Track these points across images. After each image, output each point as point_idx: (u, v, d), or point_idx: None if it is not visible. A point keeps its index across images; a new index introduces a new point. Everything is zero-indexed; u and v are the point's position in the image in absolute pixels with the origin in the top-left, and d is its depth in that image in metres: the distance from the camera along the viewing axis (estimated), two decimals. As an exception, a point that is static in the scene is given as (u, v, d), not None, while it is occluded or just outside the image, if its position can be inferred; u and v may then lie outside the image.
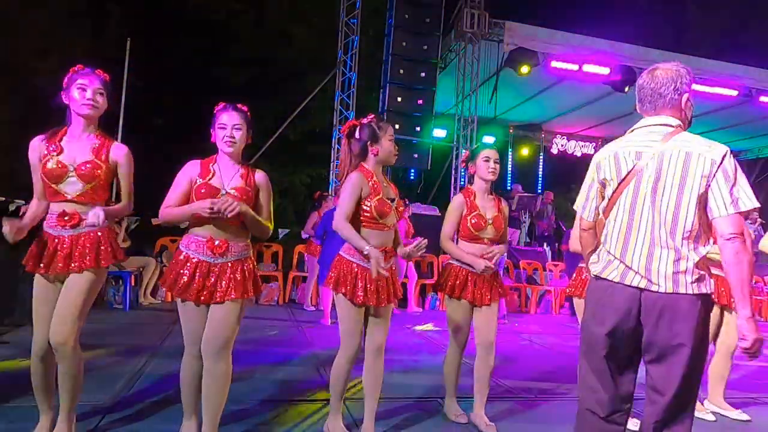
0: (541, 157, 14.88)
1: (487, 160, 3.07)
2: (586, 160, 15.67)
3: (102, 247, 2.43)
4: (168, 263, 7.71)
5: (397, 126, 9.35)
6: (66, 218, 2.39)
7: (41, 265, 2.39)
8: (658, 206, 1.87)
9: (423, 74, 9.25)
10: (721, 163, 1.83)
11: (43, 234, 2.43)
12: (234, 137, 2.47)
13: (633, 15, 16.64)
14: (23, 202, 5.98)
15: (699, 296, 1.85)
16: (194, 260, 2.43)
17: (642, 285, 1.87)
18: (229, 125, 2.46)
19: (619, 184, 1.95)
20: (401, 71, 9.15)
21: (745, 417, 3.51)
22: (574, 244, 3.19)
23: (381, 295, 2.69)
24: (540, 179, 14.64)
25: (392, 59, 9.16)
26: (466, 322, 3.11)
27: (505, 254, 5.07)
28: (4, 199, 5.92)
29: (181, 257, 2.45)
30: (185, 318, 2.49)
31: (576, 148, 14.51)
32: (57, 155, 2.39)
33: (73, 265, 2.37)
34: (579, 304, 3.35)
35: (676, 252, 1.85)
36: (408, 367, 4.37)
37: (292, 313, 7.08)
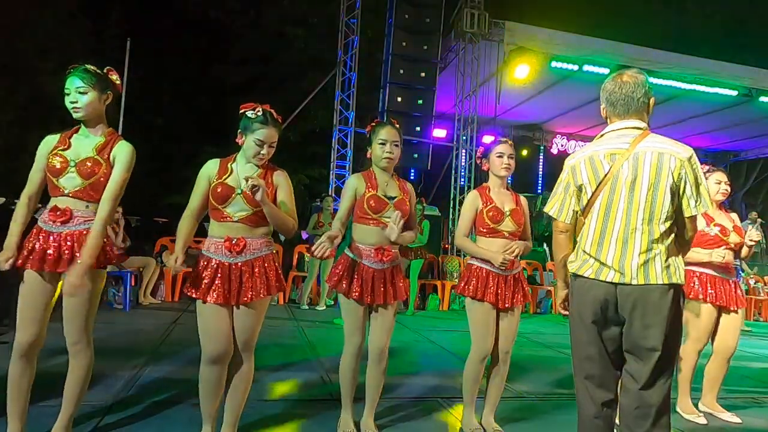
0: (541, 157, 14.89)
1: (501, 156, 3.01)
2: (586, 160, 15.82)
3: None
4: (167, 263, 7.67)
5: (397, 126, 9.35)
6: (57, 213, 2.31)
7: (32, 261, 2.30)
8: (633, 205, 1.99)
9: (423, 74, 9.26)
10: (689, 162, 1.97)
11: (36, 229, 2.35)
12: (268, 154, 2.46)
13: (633, 15, 16.63)
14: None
15: (669, 286, 1.95)
16: (215, 262, 2.42)
17: (616, 279, 1.97)
18: (266, 143, 2.42)
19: (597, 186, 2.05)
20: (401, 71, 9.16)
21: (736, 420, 3.46)
22: None
23: (379, 293, 2.71)
24: (540, 179, 14.66)
25: (392, 59, 9.17)
26: (490, 325, 2.95)
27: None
28: (5, 199, 5.93)
29: (203, 261, 2.44)
30: (205, 321, 2.44)
31: (576, 148, 14.49)
32: (63, 150, 2.35)
33: (63, 264, 2.29)
34: None
35: (649, 246, 1.96)
36: (408, 367, 4.37)
37: (292, 313, 7.08)
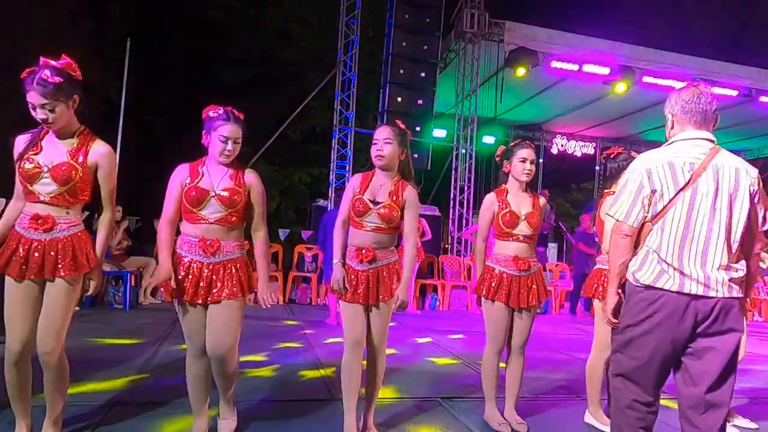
0: (541, 157, 14.88)
1: (524, 161, 3.08)
2: (586, 160, 15.63)
3: (78, 254, 2.32)
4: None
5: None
6: (39, 221, 2.27)
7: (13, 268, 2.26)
8: (716, 218, 2.03)
9: (423, 74, 9.25)
10: (759, 181, 2.08)
11: (14, 234, 2.30)
12: (234, 151, 2.48)
13: (633, 15, 16.64)
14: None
15: (741, 299, 2.07)
16: (187, 260, 2.45)
17: (700, 292, 2.01)
18: (230, 138, 2.45)
19: (676, 194, 2.06)
20: (401, 71, 9.14)
21: (753, 425, 3.43)
22: (606, 245, 3.15)
23: (361, 293, 2.71)
24: (540, 179, 14.65)
25: (392, 59, 9.15)
26: (502, 323, 3.08)
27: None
28: (5, 200, 5.93)
29: (175, 259, 2.47)
30: (184, 319, 2.52)
31: (576, 148, 14.51)
32: (35, 155, 2.29)
33: (47, 271, 2.26)
34: (599, 305, 3.19)
35: (730, 260, 2.03)
36: (407, 367, 4.38)
37: (292, 312, 7.08)
